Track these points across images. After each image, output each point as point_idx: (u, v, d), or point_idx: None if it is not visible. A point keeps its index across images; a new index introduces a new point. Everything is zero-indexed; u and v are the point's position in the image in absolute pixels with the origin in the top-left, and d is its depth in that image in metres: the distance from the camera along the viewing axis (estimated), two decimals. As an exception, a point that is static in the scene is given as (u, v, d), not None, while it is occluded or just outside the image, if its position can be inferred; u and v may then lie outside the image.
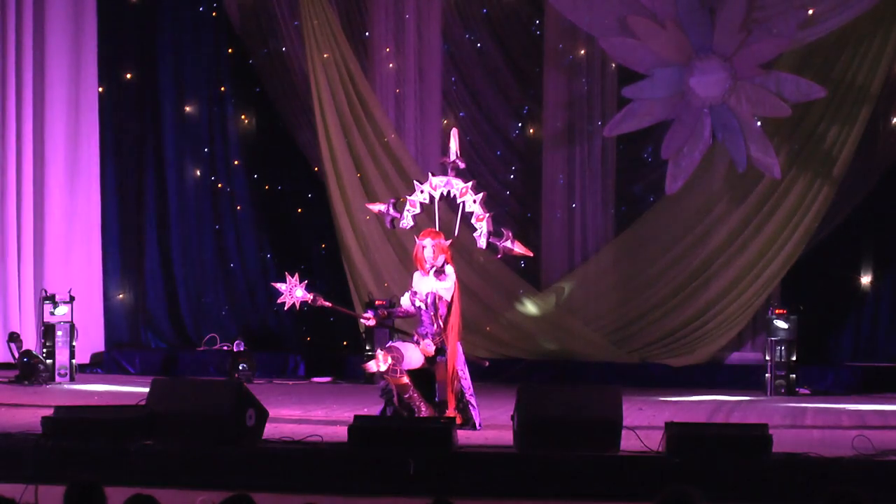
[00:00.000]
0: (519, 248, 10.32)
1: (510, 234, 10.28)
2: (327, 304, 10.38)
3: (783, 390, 13.02)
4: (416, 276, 10.18)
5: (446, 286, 10.03)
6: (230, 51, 15.38)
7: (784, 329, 13.11)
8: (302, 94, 14.81)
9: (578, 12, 14.00)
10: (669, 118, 13.83)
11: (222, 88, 15.48)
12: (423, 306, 10.04)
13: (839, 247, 13.99)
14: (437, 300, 10.02)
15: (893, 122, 13.85)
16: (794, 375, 13.09)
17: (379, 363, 9.78)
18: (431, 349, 9.98)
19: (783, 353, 13.07)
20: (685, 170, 13.87)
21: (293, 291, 10.23)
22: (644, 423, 10.00)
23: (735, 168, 13.77)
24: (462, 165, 10.42)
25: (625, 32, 13.74)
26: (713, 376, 13.80)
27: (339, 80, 14.56)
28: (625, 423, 8.81)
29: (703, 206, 14.12)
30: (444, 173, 10.39)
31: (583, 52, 14.40)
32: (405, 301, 10.23)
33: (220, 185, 15.49)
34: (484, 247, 10.35)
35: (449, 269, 10.03)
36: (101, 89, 14.98)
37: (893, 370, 13.62)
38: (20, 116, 14.51)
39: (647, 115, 13.88)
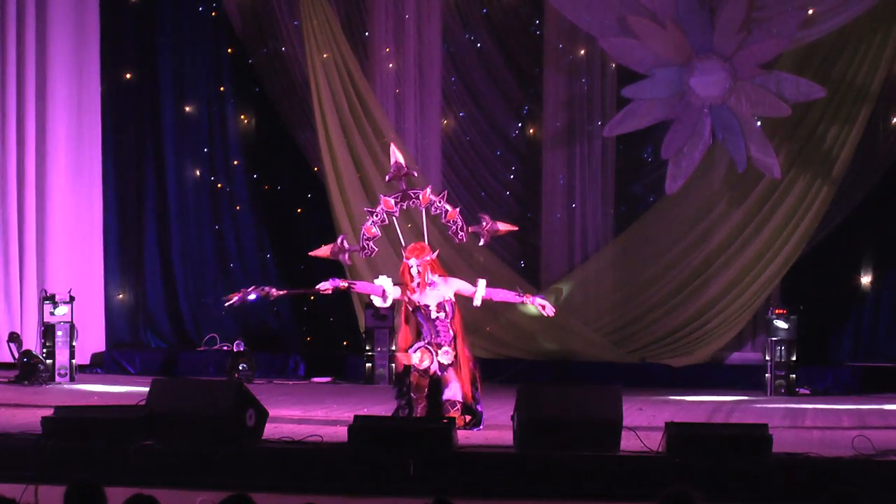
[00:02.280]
0: (503, 227, 10.41)
1: (488, 218, 10.33)
2: (281, 292, 10.36)
3: (783, 390, 13.02)
4: (400, 290, 10.11)
5: (449, 292, 10.03)
6: (230, 51, 15.38)
7: (784, 329, 13.11)
8: (302, 94, 14.80)
9: (578, 12, 14.00)
10: (669, 118, 13.84)
11: (222, 88, 15.47)
12: (441, 316, 9.99)
13: (839, 247, 13.99)
14: (448, 306, 10.00)
15: (893, 122, 13.85)
16: (794, 375, 13.08)
17: (422, 360, 9.78)
18: (451, 356, 9.97)
19: (783, 353, 13.07)
20: (685, 170, 13.87)
21: (246, 294, 10.19)
22: (644, 423, 10.00)
23: (735, 168, 13.77)
24: (415, 174, 10.43)
25: (625, 32, 13.74)
26: (713, 376, 13.79)
27: (339, 80, 14.56)
28: (625, 423, 8.80)
29: (703, 206, 14.12)
30: (396, 189, 10.39)
31: (583, 52, 14.40)
32: (383, 283, 10.09)
33: (219, 185, 15.48)
34: (465, 240, 10.39)
35: (439, 279, 10.01)
36: (100, 89, 14.97)
37: (893, 370, 13.61)
38: (22, 116, 14.51)
39: (647, 115, 13.88)
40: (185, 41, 15.44)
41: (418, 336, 10.07)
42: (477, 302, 10.10)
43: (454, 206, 10.32)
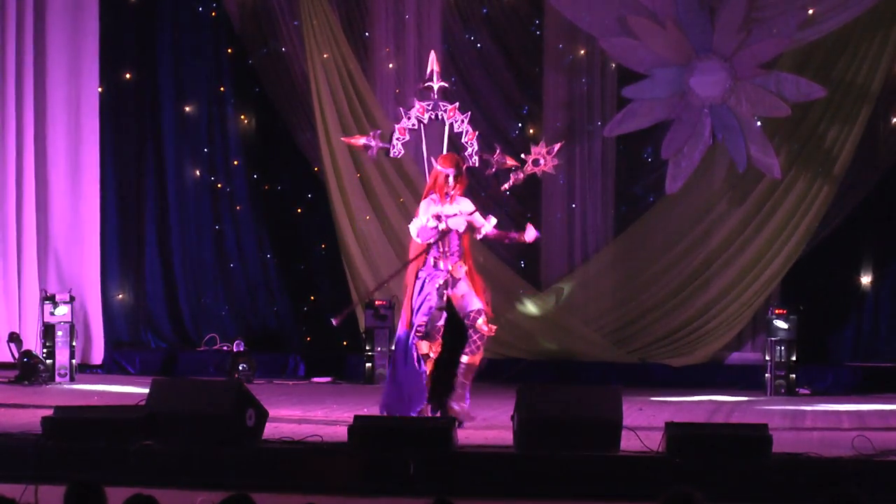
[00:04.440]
0: (511, 161, 10.50)
1: (500, 149, 10.49)
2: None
3: (783, 390, 13.02)
4: (427, 204, 10.09)
5: (469, 208, 10.08)
6: (230, 51, 15.37)
7: (784, 329, 13.11)
8: (302, 94, 14.80)
9: (578, 12, 14.00)
10: (669, 118, 13.84)
11: (222, 88, 15.47)
12: (457, 229, 10.02)
13: (839, 247, 13.99)
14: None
15: (893, 122, 13.85)
16: (794, 375, 13.08)
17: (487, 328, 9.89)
18: (464, 269, 10.01)
19: (783, 353, 13.07)
20: (685, 170, 13.87)
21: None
22: (644, 423, 10.00)
23: (735, 168, 13.77)
24: (446, 86, 10.62)
25: (625, 32, 13.74)
26: (713, 376, 13.80)
27: (339, 80, 14.56)
28: (625, 423, 8.80)
29: (703, 206, 14.12)
30: (427, 97, 10.51)
31: (583, 52, 14.40)
32: (418, 225, 10.05)
33: (219, 185, 15.48)
34: (477, 165, 10.52)
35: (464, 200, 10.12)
36: (100, 89, 14.98)
37: (893, 370, 13.62)
38: (20, 116, 14.50)
39: (647, 115, 13.88)
40: (185, 41, 15.43)
41: (427, 249, 10.03)
42: (484, 231, 10.15)
43: (474, 130, 10.44)
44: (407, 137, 10.67)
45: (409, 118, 10.58)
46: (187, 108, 15.46)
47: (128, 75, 15.38)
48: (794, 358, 13.08)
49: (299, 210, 15.36)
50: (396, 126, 10.67)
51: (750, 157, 13.61)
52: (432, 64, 10.75)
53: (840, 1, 13.37)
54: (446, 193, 10.07)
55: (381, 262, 14.56)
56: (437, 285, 9.96)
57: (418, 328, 9.95)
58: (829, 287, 14.09)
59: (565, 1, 14.05)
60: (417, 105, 10.60)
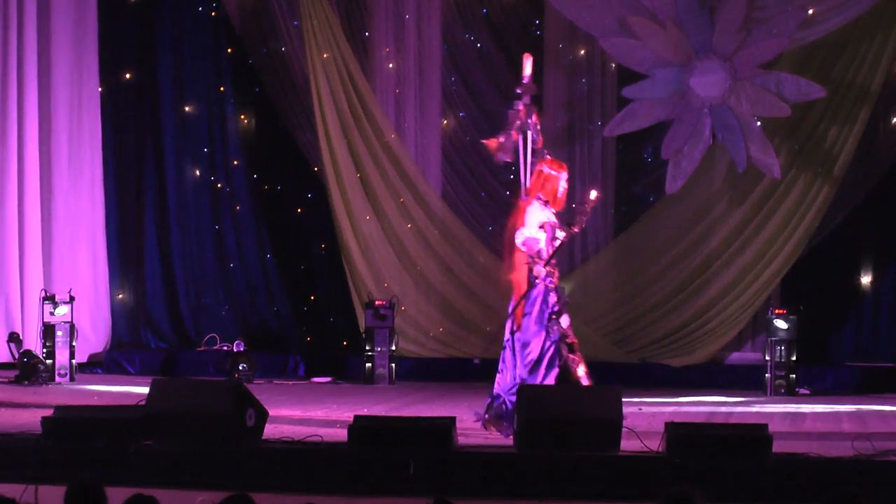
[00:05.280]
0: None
1: (549, 154, 10.20)
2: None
3: (783, 390, 13.02)
4: (538, 208, 9.81)
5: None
6: (230, 51, 15.38)
7: (784, 329, 13.11)
8: (302, 94, 14.80)
9: (578, 12, 14.00)
10: (669, 118, 13.84)
11: (222, 88, 15.47)
12: (560, 237, 9.83)
13: (839, 247, 14.00)
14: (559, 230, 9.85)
15: (893, 122, 13.86)
16: (794, 375, 13.09)
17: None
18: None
19: (783, 353, 13.07)
20: (685, 170, 13.87)
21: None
22: (644, 423, 9.99)
23: (735, 168, 13.78)
24: (535, 90, 10.36)
25: (625, 32, 13.74)
26: (713, 376, 13.79)
27: (339, 80, 14.56)
28: (625, 423, 8.80)
29: (703, 206, 14.12)
30: (520, 100, 10.29)
31: (583, 52, 14.40)
32: (527, 235, 9.78)
33: (219, 185, 15.49)
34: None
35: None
36: (101, 89, 14.99)
37: (893, 370, 13.62)
38: (22, 117, 14.52)
39: (647, 115, 13.89)
40: (185, 41, 15.44)
41: (548, 260, 9.82)
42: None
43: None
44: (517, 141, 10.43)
45: (518, 121, 10.14)
46: (187, 108, 15.47)
47: (128, 75, 15.39)
48: (794, 358, 13.08)
49: (299, 210, 15.36)
50: (510, 131, 10.35)
51: (750, 157, 13.61)
52: (529, 66, 10.26)
53: (840, 1, 13.37)
54: (555, 201, 9.81)
55: (381, 262, 14.57)
56: (557, 295, 9.84)
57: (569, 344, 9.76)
58: (829, 287, 14.10)
59: (565, 1, 14.05)
60: (521, 108, 10.12)
